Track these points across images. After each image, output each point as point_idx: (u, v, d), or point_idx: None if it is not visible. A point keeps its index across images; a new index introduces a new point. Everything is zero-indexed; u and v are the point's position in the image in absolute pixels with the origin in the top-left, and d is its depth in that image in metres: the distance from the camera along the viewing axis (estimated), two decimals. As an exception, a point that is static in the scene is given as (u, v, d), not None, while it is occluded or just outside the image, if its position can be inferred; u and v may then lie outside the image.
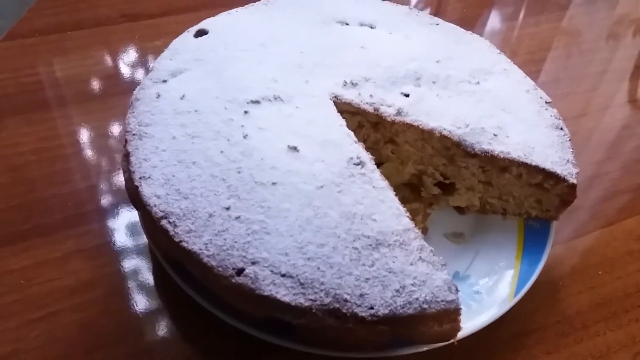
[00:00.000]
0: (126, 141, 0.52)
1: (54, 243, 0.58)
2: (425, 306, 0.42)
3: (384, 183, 0.49)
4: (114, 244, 0.58)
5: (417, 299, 0.43)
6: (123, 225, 0.60)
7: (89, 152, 0.66)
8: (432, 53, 0.63)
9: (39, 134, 0.69)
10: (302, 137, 0.52)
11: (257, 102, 0.54)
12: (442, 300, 0.43)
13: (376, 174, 0.50)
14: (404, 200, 0.59)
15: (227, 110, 0.53)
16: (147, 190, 0.48)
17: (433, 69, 0.61)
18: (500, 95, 0.60)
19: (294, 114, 0.54)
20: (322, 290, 0.42)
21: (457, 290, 0.44)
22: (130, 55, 0.81)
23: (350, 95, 0.57)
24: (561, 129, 0.58)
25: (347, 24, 0.66)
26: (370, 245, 0.45)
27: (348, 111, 0.57)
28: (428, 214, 0.60)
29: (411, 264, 0.44)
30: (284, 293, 0.42)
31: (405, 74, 0.60)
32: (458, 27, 0.69)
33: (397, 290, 0.43)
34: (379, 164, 0.60)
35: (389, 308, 0.42)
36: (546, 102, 0.61)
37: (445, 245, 0.58)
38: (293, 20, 0.65)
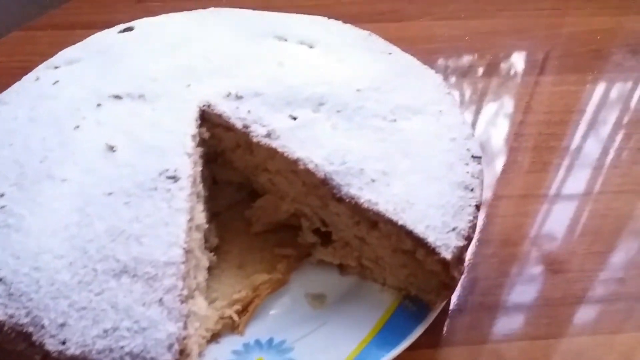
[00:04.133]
0: (-22, 116, 0.50)
1: None
2: (126, 359, 0.33)
3: (184, 205, 0.41)
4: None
5: (122, 347, 0.33)
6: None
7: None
8: (358, 81, 0.53)
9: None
10: (130, 139, 0.45)
11: (118, 97, 0.50)
12: (150, 358, 0.33)
13: (183, 193, 0.41)
14: (279, 243, 0.50)
15: (82, 101, 0.49)
16: (-50, 164, 0.44)
17: (346, 97, 0.51)
18: (411, 139, 0.48)
19: (144, 114, 0.48)
20: (25, 308, 0.35)
21: (180, 352, 0.33)
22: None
23: (225, 107, 0.49)
24: (472, 190, 0.44)
25: (285, 40, 0.58)
26: (114, 270, 0.37)
27: (222, 125, 0.49)
28: (296, 264, 0.49)
29: (143, 304, 0.35)
30: (-14, 299, 0.36)
31: (307, 97, 0.51)
32: (415, 59, 0.58)
33: (106, 331, 0.34)
34: (260, 195, 0.51)
35: (83, 349, 0.33)
36: (472, 157, 0.47)
37: (297, 305, 0.47)
38: (225, 29, 0.59)
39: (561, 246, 0.57)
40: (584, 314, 0.51)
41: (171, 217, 0.40)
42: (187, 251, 0.38)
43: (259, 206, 0.51)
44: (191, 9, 0.64)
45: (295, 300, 0.47)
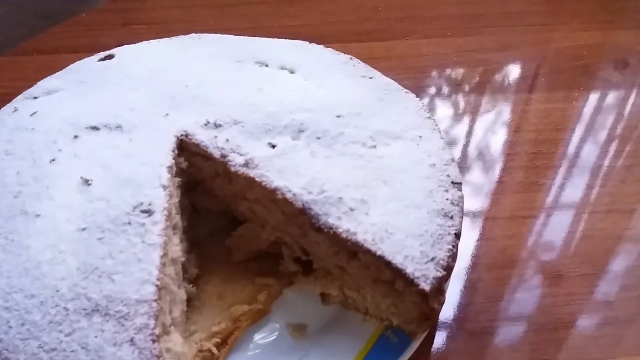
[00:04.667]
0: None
1: None
2: (94, 403, 0.32)
3: (157, 240, 0.40)
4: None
5: (90, 390, 0.33)
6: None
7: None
8: (338, 106, 0.53)
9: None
10: (106, 171, 0.45)
11: (96, 128, 0.49)
12: (119, 401, 0.32)
13: (157, 227, 0.41)
14: (261, 272, 0.49)
15: (59, 133, 0.49)
16: None
17: (326, 123, 0.51)
18: (391, 165, 0.47)
19: (121, 145, 0.47)
20: (-6, 350, 0.34)
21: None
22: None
23: (203, 136, 0.49)
24: (451, 217, 0.44)
25: (266, 65, 0.58)
26: (86, 309, 0.36)
27: (200, 154, 0.49)
28: (278, 293, 0.49)
29: (114, 344, 0.34)
30: (-47, 342, 0.35)
31: (287, 124, 0.50)
32: (396, 83, 0.57)
33: (75, 373, 0.33)
34: (241, 223, 0.51)
35: (50, 393, 0.33)
36: (452, 183, 0.47)
37: (278, 336, 0.46)
38: (206, 55, 0.59)
39: (550, 268, 0.56)
40: (573, 340, 0.50)
41: (144, 252, 0.39)
42: (160, 288, 0.38)
43: (239, 234, 0.51)
44: (177, 32, 0.64)
45: (276, 331, 0.47)
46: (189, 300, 0.47)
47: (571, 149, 0.69)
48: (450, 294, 0.52)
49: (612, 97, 0.79)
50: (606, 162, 0.68)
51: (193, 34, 0.63)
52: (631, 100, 0.79)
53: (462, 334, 0.51)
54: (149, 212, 0.42)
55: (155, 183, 0.44)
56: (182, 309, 0.44)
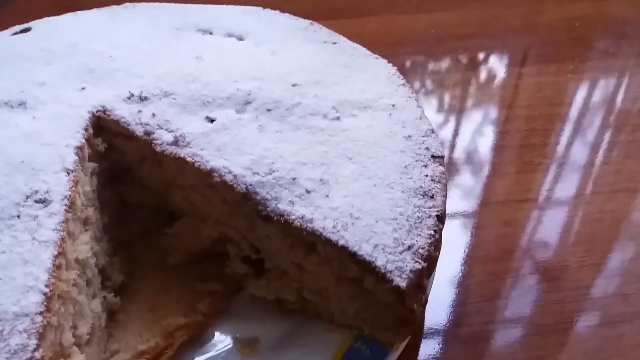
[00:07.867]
0: None
1: None
2: None
3: (53, 235, 0.31)
4: None
5: None
6: None
7: None
8: (294, 74, 0.44)
9: None
10: (-2, 155, 0.35)
11: (-5, 106, 0.40)
12: None
13: (53, 220, 0.32)
14: (204, 276, 0.40)
15: (-52, 114, 0.39)
16: None
17: (279, 93, 0.42)
18: (358, 138, 0.39)
19: (22, 124, 0.38)
20: None
21: None
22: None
23: (124, 112, 0.40)
24: (432, 197, 0.35)
25: (210, 33, 0.49)
26: (-56, 331, 0.26)
27: (122, 134, 0.40)
28: (223, 301, 0.39)
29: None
30: None
31: (230, 95, 0.41)
32: (364, 48, 0.49)
33: None
34: (178, 218, 0.41)
35: None
36: (433, 156, 0.38)
37: (224, 355, 0.37)
38: (138, 24, 0.50)
39: (553, 258, 0.48)
40: (582, 340, 0.42)
41: (32, 252, 0.30)
42: (51, 296, 0.28)
43: (176, 232, 0.41)
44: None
45: (222, 349, 0.37)
46: (112, 314, 0.38)
47: (570, 126, 0.61)
48: (437, 293, 0.43)
49: (609, 69, 0.71)
50: (608, 138, 0.60)
51: (127, 3, 0.54)
52: (629, 71, 0.71)
53: (454, 341, 0.42)
54: (44, 202, 0.32)
55: (56, 167, 0.35)
56: (98, 324, 0.35)
